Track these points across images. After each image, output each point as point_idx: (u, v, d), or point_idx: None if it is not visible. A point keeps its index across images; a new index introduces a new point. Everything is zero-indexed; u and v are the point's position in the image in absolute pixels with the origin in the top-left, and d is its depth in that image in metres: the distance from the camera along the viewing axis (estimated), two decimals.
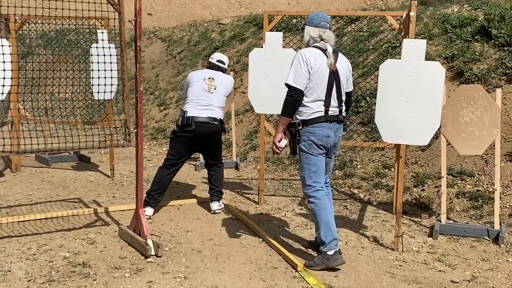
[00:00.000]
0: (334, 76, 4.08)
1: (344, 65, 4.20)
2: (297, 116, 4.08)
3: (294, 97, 3.98)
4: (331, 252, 4.02)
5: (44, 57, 8.49)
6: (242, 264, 4.14)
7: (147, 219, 5.17)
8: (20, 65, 7.89)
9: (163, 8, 20.79)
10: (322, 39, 4.12)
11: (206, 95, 5.33)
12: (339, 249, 4.09)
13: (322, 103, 4.05)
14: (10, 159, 7.31)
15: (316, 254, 4.25)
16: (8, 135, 6.19)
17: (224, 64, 5.63)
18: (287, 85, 4.01)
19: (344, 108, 4.23)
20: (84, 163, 7.98)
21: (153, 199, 5.30)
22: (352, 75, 7.97)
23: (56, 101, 8.20)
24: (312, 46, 4.13)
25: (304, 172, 4.15)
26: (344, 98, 4.19)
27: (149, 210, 5.25)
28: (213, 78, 5.42)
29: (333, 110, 4.10)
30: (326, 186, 4.29)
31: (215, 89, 5.37)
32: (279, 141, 4.07)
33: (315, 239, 4.46)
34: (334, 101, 4.10)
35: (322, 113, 4.05)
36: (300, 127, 4.08)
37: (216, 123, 5.31)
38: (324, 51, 4.08)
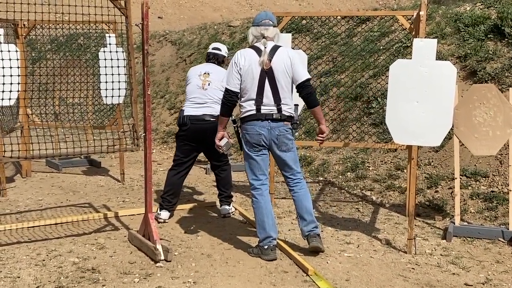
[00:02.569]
0: (266, 74, 4.16)
1: (283, 60, 4.21)
2: (239, 115, 4.32)
3: (226, 97, 4.26)
4: (265, 247, 4.26)
5: (53, 62, 8.52)
6: (252, 269, 4.09)
7: (162, 222, 5.16)
8: (29, 71, 7.90)
9: (173, 12, 20.82)
10: (264, 37, 4.24)
11: (199, 92, 5.24)
12: (274, 246, 4.28)
13: (253, 102, 4.20)
14: (21, 165, 7.32)
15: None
16: (17, 140, 6.22)
17: (221, 50, 5.49)
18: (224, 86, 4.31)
19: (287, 107, 4.25)
20: (95, 167, 7.98)
21: (167, 202, 5.27)
22: (363, 76, 8.00)
23: (65, 106, 8.22)
24: (251, 46, 4.28)
25: (246, 169, 4.42)
26: (284, 96, 4.22)
27: (164, 214, 5.23)
28: (208, 73, 5.31)
29: (267, 109, 4.22)
30: (298, 181, 4.44)
31: (209, 84, 5.23)
32: (219, 140, 4.38)
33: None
34: (268, 100, 4.20)
35: (254, 112, 4.22)
36: (238, 125, 4.38)
37: (213, 119, 5.09)
38: (260, 50, 4.20)
